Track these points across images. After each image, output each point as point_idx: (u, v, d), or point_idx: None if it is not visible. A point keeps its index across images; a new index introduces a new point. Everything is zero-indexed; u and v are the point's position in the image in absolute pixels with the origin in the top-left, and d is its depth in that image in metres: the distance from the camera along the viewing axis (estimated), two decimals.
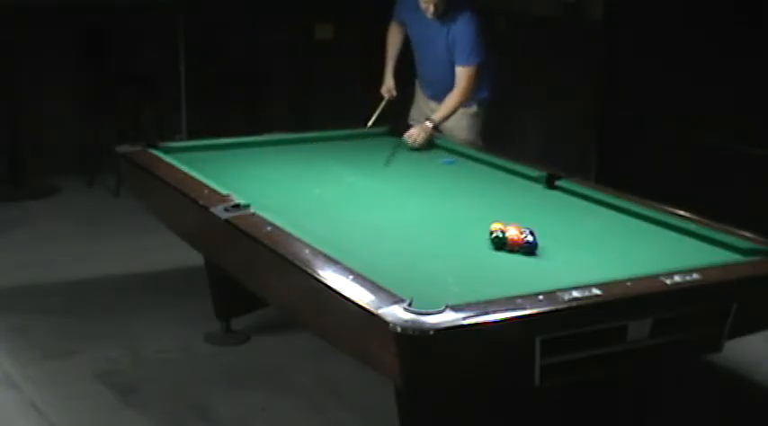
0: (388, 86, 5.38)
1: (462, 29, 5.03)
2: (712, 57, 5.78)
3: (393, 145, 4.95)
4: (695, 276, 3.13)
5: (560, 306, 2.87)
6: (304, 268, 3.12)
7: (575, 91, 6.70)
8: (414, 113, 5.50)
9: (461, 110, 5.15)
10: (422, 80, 5.45)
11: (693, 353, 3.52)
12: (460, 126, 5.21)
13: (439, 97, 5.21)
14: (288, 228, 3.43)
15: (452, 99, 5.04)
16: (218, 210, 3.66)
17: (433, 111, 5.22)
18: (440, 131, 5.05)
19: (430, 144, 4.91)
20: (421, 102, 5.48)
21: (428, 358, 2.73)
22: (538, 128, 7.01)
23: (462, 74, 5.03)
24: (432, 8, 5.00)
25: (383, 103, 5.33)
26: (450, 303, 2.79)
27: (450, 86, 5.10)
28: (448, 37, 5.07)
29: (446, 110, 5.04)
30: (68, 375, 4.23)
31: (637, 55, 6.30)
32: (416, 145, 4.85)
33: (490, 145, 5.31)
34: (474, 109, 5.25)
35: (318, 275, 3.06)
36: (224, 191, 3.85)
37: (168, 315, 4.82)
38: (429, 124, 4.94)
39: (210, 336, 4.57)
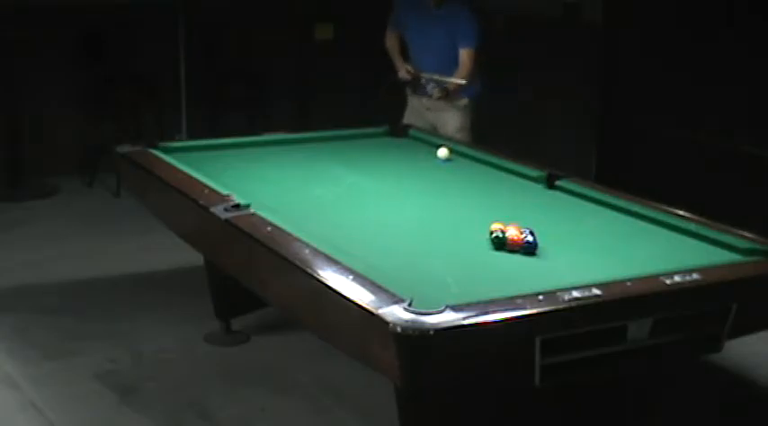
0: (404, 70, 5.70)
1: (463, 16, 5.47)
2: (712, 57, 5.78)
3: (394, 145, 4.97)
4: (695, 276, 3.13)
5: (560, 306, 2.87)
6: (304, 268, 3.12)
7: (575, 91, 6.70)
8: (409, 114, 5.71)
9: (452, 103, 5.57)
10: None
11: (693, 353, 3.53)
12: (450, 116, 5.60)
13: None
14: (288, 228, 3.44)
15: (461, 73, 5.46)
16: (218, 210, 3.66)
17: (428, 109, 5.65)
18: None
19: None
20: (416, 103, 5.72)
21: (428, 358, 2.73)
22: (538, 128, 7.00)
23: (466, 55, 5.45)
24: None
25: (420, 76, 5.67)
26: (450, 303, 2.79)
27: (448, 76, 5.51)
28: (448, 26, 5.45)
29: (459, 78, 5.45)
30: (68, 375, 4.23)
31: (636, 55, 6.30)
32: (436, 96, 5.34)
33: (489, 144, 5.41)
34: (465, 101, 5.60)
35: (318, 275, 3.06)
36: (224, 191, 3.85)
37: (168, 315, 4.82)
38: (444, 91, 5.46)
39: (210, 336, 4.57)
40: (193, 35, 7.11)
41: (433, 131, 5.53)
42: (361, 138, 5.10)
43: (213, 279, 4.46)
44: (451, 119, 5.59)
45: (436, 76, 5.51)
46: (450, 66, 5.49)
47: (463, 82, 5.44)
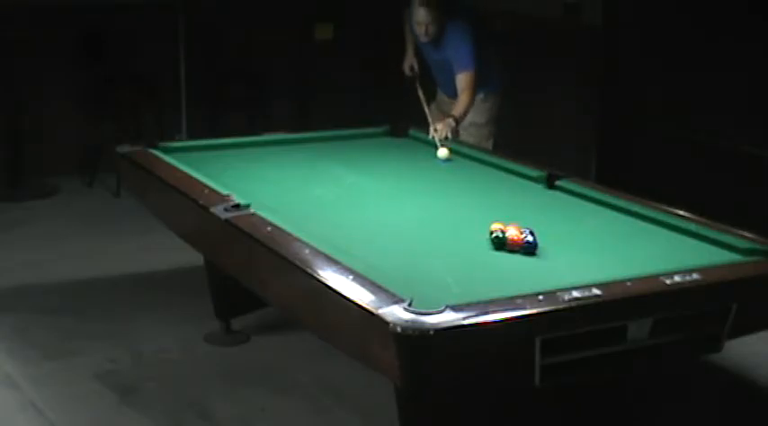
0: (410, 62, 5.64)
1: (452, 43, 5.32)
2: (713, 58, 5.77)
3: (394, 145, 4.97)
4: (695, 276, 3.13)
5: (560, 306, 2.87)
6: (304, 268, 3.13)
7: (575, 91, 6.70)
8: (435, 106, 5.68)
9: None
10: (435, 82, 5.70)
11: (693, 353, 3.53)
12: (472, 112, 5.45)
13: (453, 95, 5.45)
14: (288, 228, 3.44)
15: (462, 101, 5.28)
16: (218, 210, 3.66)
17: (451, 103, 5.51)
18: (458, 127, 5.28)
19: (455, 134, 5.13)
20: (441, 95, 5.70)
21: (428, 358, 2.73)
22: (538, 128, 7.00)
23: (462, 80, 5.29)
24: (423, 31, 5.29)
25: (417, 87, 5.55)
26: (450, 303, 2.79)
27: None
28: (446, 54, 5.35)
29: (461, 108, 5.27)
30: (68, 375, 4.23)
31: (636, 55, 6.30)
32: (441, 138, 4.93)
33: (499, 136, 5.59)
34: (481, 96, 5.49)
35: (318, 275, 3.06)
36: (224, 191, 3.85)
37: (168, 315, 4.82)
38: (451, 120, 5.13)
39: (210, 336, 4.57)
40: (193, 35, 7.11)
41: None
42: (361, 138, 5.10)
43: (213, 279, 4.46)
44: (473, 114, 5.49)
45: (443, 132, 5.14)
46: None
47: (462, 110, 5.25)
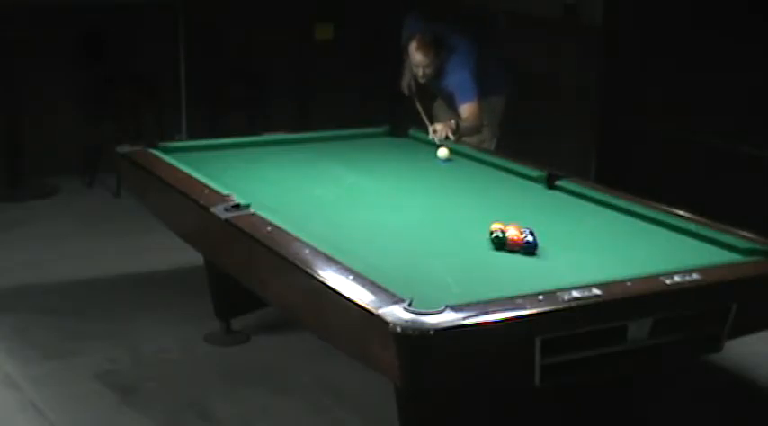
0: (407, 81, 5.59)
1: (452, 76, 5.27)
2: (713, 58, 5.77)
3: (394, 145, 4.97)
4: (695, 276, 3.13)
5: (560, 306, 2.87)
6: (304, 268, 3.13)
7: (575, 91, 6.70)
8: (437, 106, 5.67)
9: None
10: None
11: (693, 353, 3.53)
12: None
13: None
14: (288, 228, 3.44)
15: (468, 122, 5.19)
16: (218, 210, 3.67)
17: (446, 111, 5.51)
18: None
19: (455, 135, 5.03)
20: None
21: (428, 358, 2.73)
22: (538, 128, 7.00)
23: (465, 110, 5.22)
24: (421, 73, 5.26)
25: (416, 103, 5.52)
26: (450, 303, 2.79)
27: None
28: (443, 84, 5.32)
29: (466, 126, 5.18)
30: (68, 375, 4.23)
31: (636, 55, 6.30)
32: (441, 138, 4.89)
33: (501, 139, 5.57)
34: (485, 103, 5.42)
35: (318, 275, 3.06)
36: (224, 191, 3.85)
37: (168, 314, 4.82)
38: (453, 122, 5.06)
39: (210, 336, 4.57)
40: (193, 35, 7.11)
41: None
42: (361, 138, 5.10)
43: (213, 279, 4.46)
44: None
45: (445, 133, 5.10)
46: None
47: (466, 126, 5.20)
